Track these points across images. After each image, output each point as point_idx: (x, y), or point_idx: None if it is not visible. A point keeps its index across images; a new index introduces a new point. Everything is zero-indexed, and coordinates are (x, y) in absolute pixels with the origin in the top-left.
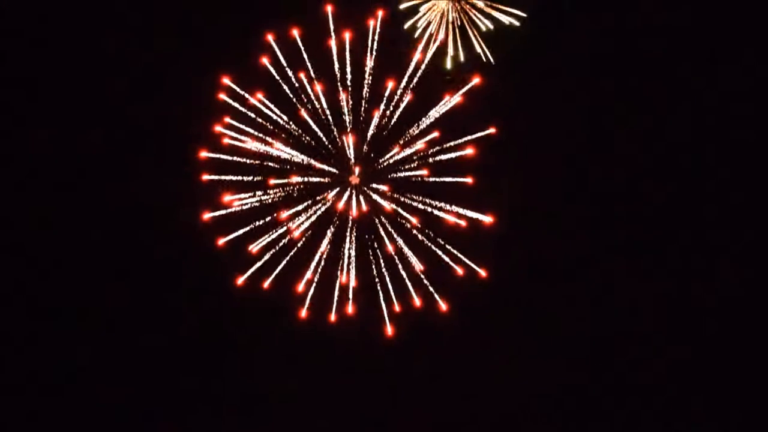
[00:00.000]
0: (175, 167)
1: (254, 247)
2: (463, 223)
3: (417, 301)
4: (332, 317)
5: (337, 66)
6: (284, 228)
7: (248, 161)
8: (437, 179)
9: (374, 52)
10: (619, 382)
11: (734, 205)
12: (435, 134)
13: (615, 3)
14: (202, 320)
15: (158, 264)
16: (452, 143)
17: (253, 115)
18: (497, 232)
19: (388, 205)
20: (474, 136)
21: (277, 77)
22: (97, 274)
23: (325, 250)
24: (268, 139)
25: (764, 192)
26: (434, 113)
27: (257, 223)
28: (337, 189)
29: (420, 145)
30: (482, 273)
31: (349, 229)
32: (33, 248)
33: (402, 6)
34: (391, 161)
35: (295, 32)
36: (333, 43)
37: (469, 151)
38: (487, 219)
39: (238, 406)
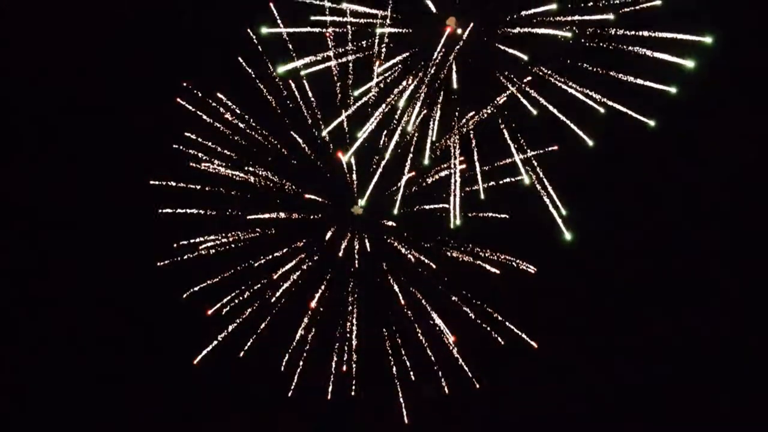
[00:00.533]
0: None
1: (224, 309)
2: (497, 271)
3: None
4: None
5: (333, 60)
6: (259, 284)
7: (213, 189)
8: (471, 214)
9: (383, 48)
10: None
11: None
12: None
13: None
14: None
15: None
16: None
17: (221, 128)
18: (543, 287)
19: (405, 250)
20: (527, 156)
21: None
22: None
23: (316, 308)
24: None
25: None
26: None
27: (220, 276)
28: (332, 229)
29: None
30: (534, 344)
31: (350, 284)
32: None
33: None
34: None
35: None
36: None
37: (524, 178)
38: (530, 269)
39: None
